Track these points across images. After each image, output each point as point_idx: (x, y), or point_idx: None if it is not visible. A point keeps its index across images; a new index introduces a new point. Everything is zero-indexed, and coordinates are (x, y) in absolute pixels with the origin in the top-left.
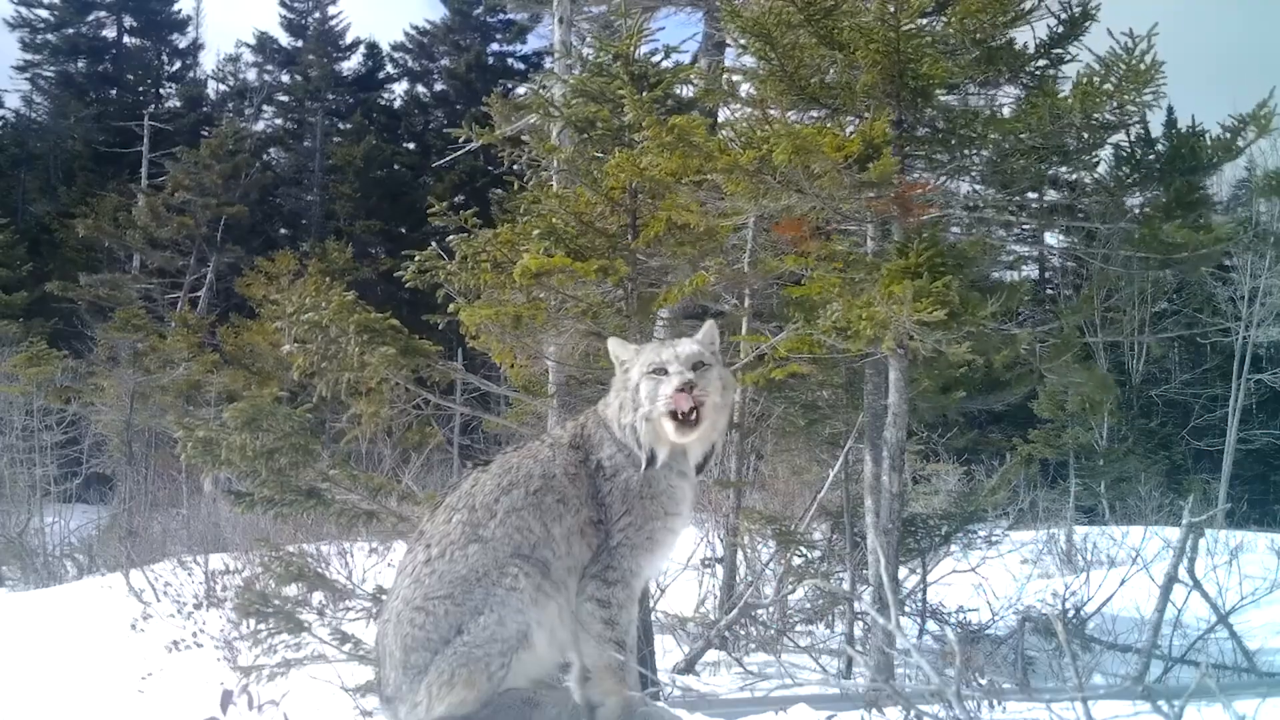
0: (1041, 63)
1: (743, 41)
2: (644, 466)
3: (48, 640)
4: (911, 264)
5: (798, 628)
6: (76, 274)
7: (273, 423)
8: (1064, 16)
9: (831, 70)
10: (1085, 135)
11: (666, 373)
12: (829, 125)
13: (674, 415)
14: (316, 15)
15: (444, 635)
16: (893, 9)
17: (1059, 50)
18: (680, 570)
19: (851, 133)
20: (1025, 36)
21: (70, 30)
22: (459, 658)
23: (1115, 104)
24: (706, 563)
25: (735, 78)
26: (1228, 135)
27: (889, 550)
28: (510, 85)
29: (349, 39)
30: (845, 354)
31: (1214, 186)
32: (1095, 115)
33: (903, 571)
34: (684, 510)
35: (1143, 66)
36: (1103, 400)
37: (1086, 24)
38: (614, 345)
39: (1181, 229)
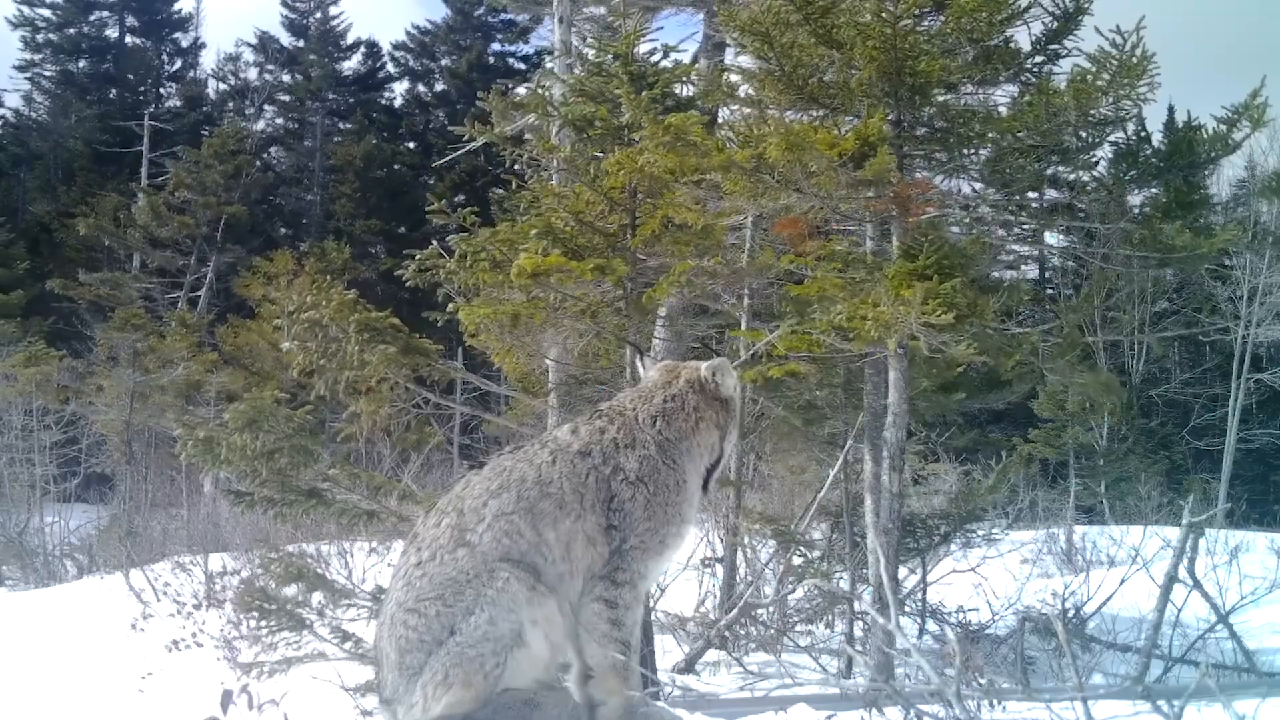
0: (1039, 59)
1: (741, 41)
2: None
3: (48, 640)
4: (920, 266)
5: (798, 628)
6: (77, 273)
7: (273, 423)
8: (1058, 11)
9: (830, 70)
10: (1083, 133)
11: None
12: (827, 125)
13: None
14: (318, 15)
15: (437, 636)
16: (891, 6)
17: (1055, 46)
18: (680, 570)
19: (847, 130)
20: (1022, 35)
21: (72, 30)
22: (453, 657)
23: (1111, 99)
24: (706, 563)
25: (734, 78)
26: (1223, 128)
27: (889, 550)
28: (511, 85)
29: (350, 39)
30: (844, 353)
31: (1214, 186)
32: (1091, 111)
33: (903, 571)
34: (694, 515)
35: (1134, 60)
36: (1106, 402)
37: (1080, 18)
38: (730, 370)
39: (1181, 232)
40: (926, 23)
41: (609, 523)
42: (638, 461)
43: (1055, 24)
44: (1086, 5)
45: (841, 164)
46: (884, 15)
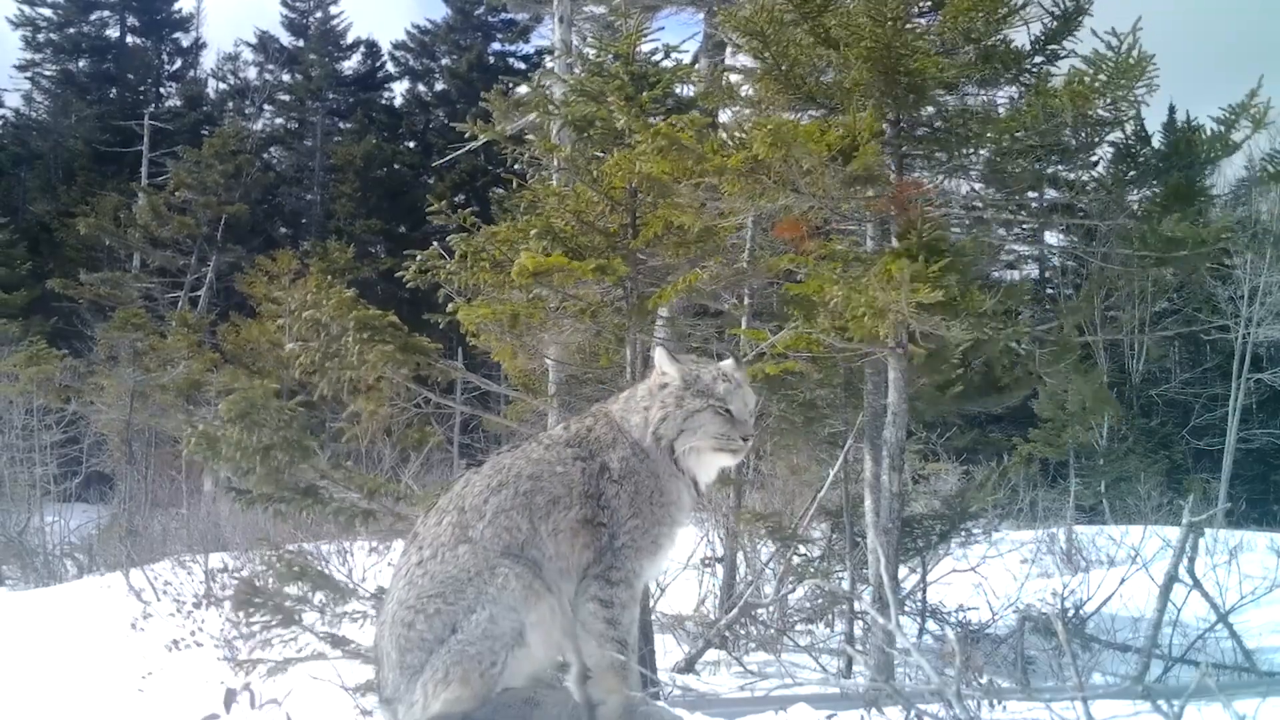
0: (1039, 60)
1: (738, 41)
2: (695, 493)
3: (48, 640)
4: (911, 246)
5: (798, 627)
6: (77, 273)
7: (266, 416)
8: (1057, 11)
9: (828, 69)
10: (1082, 134)
11: (732, 416)
12: (823, 124)
13: (731, 452)
14: (318, 15)
15: (438, 634)
16: (884, 7)
17: (1054, 46)
18: (680, 570)
19: (837, 126)
20: (1022, 36)
21: (72, 29)
22: (453, 656)
23: (1109, 99)
24: (706, 562)
25: (735, 78)
26: (1222, 128)
27: (889, 550)
28: (511, 84)
29: (350, 38)
30: (844, 353)
31: (1215, 187)
32: (1089, 112)
33: (902, 571)
34: (686, 517)
35: (1131, 61)
36: (1100, 409)
37: (1080, 18)
38: (663, 358)
39: (1179, 224)
40: (925, 21)
41: (598, 519)
42: (619, 461)
43: (1055, 24)
44: (1086, 5)
45: (831, 159)
46: (876, 16)
